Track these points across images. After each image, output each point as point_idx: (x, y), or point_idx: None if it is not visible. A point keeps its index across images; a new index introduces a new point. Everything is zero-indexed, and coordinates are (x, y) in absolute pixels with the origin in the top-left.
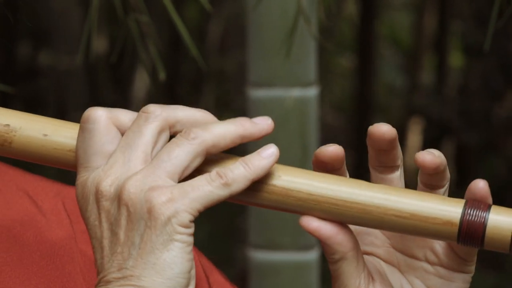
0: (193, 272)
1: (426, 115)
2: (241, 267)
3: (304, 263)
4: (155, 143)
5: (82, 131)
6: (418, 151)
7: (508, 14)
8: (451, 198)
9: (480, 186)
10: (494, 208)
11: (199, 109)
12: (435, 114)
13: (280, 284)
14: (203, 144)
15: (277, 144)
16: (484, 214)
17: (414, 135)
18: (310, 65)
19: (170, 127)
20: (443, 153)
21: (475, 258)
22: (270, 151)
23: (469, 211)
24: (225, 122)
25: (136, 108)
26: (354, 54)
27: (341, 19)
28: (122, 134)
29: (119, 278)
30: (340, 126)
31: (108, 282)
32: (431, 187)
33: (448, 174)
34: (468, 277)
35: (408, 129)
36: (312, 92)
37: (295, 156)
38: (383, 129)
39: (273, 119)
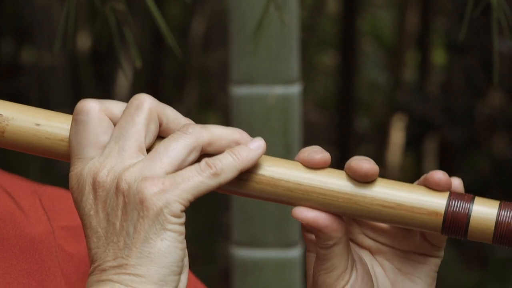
0: (186, 260)
1: (409, 112)
2: (224, 264)
3: (287, 260)
4: (147, 130)
5: (75, 123)
6: (401, 147)
7: (481, 8)
8: (436, 191)
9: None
10: (478, 200)
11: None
12: (418, 111)
13: (263, 282)
14: (199, 140)
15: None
16: (468, 205)
17: (397, 132)
18: (293, 62)
19: (160, 117)
20: (426, 149)
21: (445, 243)
22: (258, 144)
23: (453, 202)
24: (225, 127)
25: None
26: (337, 52)
27: (323, 16)
28: (115, 124)
29: (115, 267)
30: (323, 124)
31: (104, 270)
32: None
33: None
34: (438, 261)
35: (391, 126)
36: (294, 89)
37: (278, 153)
38: (365, 167)
39: (255, 116)
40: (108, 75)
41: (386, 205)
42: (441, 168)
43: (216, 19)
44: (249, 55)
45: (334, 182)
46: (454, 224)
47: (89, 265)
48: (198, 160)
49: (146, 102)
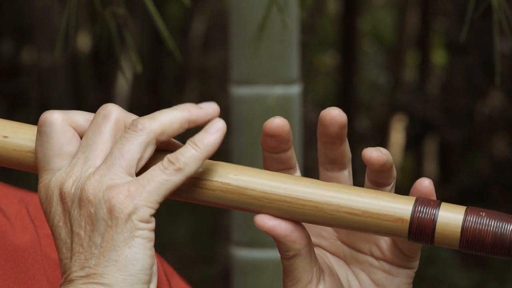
0: (155, 268)
1: (409, 112)
2: (224, 264)
3: None
4: (114, 141)
5: (39, 134)
6: (401, 148)
7: (482, 9)
8: (402, 196)
9: (425, 184)
10: (444, 205)
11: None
12: (418, 111)
13: (263, 282)
14: (151, 134)
15: (259, 142)
16: (434, 211)
17: (397, 132)
18: (293, 62)
19: (126, 124)
20: (426, 150)
21: (419, 254)
22: (217, 126)
23: (419, 208)
24: (171, 109)
25: (119, 105)
26: (337, 52)
27: (323, 16)
28: (80, 135)
29: (82, 277)
30: None
31: (72, 280)
32: (378, 184)
33: (394, 173)
34: (411, 273)
35: (391, 126)
36: (295, 89)
37: None
38: (333, 113)
39: (255, 116)
40: (108, 76)
41: (352, 212)
42: (441, 168)
43: (216, 19)
44: (249, 56)
45: (300, 189)
46: (420, 230)
47: None
48: (156, 152)
49: (113, 112)
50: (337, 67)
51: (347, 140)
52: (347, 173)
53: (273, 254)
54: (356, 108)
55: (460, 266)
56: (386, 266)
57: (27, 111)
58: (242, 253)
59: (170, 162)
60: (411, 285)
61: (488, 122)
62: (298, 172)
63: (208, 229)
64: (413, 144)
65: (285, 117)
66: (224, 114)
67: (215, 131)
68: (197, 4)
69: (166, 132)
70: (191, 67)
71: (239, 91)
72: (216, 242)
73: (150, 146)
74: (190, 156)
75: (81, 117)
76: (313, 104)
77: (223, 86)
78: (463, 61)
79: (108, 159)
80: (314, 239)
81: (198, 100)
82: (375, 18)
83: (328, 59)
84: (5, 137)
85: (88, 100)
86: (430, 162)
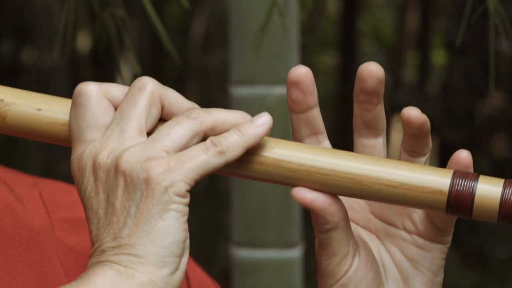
0: (187, 242)
1: None
2: (224, 264)
3: (287, 261)
4: (149, 113)
5: (74, 106)
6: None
7: (479, 12)
8: (440, 168)
9: (463, 156)
10: (482, 178)
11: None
12: None
13: (263, 282)
14: (203, 125)
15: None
16: (473, 184)
17: (397, 133)
18: (293, 63)
19: (162, 100)
20: None
21: (452, 229)
22: (263, 119)
23: (457, 181)
24: (228, 110)
25: None
26: (337, 52)
27: (323, 16)
28: (115, 107)
29: (114, 247)
30: None
31: (103, 251)
32: (414, 154)
33: (430, 142)
34: (444, 248)
35: (391, 126)
36: None
37: None
38: (371, 67)
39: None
40: (108, 76)
41: (390, 184)
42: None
43: (216, 19)
44: (249, 56)
45: (337, 162)
46: (459, 203)
47: (89, 257)
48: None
49: (148, 85)
50: (337, 67)
51: (383, 102)
52: (381, 141)
53: (273, 254)
54: None
55: (460, 266)
56: (419, 240)
57: None
58: (242, 253)
59: (213, 143)
60: (444, 261)
61: (488, 122)
62: (327, 140)
63: (208, 229)
64: None
65: (285, 117)
66: None
67: (262, 124)
68: (197, 4)
69: (217, 129)
70: (191, 67)
71: (239, 91)
72: (216, 242)
73: (197, 137)
74: (233, 142)
75: (116, 90)
76: None
77: (223, 86)
78: (463, 61)
79: (154, 135)
80: None
81: (198, 100)
82: (375, 18)
83: (328, 59)
84: (39, 109)
85: None
86: (430, 162)
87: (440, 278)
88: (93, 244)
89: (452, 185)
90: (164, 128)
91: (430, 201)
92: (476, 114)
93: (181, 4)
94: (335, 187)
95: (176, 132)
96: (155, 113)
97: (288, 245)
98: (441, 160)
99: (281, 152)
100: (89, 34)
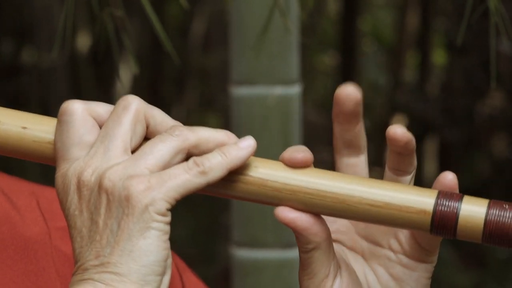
0: (169, 261)
1: (409, 112)
2: (224, 264)
3: (287, 261)
4: (134, 132)
5: (59, 124)
6: None
7: (480, 11)
8: (425, 188)
9: (448, 178)
10: (467, 199)
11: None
12: (418, 112)
13: (263, 282)
14: (186, 142)
15: (259, 142)
16: (457, 204)
17: None
18: (293, 63)
19: (147, 119)
20: (426, 150)
21: (438, 249)
22: (247, 142)
23: (442, 201)
24: (212, 129)
25: None
26: (337, 52)
27: (323, 16)
28: (100, 125)
29: (96, 266)
30: (322, 124)
31: (86, 269)
32: (399, 173)
33: (415, 161)
34: (430, 267)
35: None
36: (294, 90)
37: (277, 154)
38: (348, 90)
39: (255, 117)
40: (108, 76)
41: (374, 204)
42: (441, 168)
43: (216, 19)
44: (249, 56)
45: (322, 182)
46: (443, 223)
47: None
48: (185, 160)
49: (133, 103)
50: (337, 67)
51: (362, 122)
52: (364, 159)
53: (273, 254)
54: None
55: (460, 266)
56: (405, 260)
57: (27, 111)
58: (242, 253)
59: (196, 163)
60: (430, 280)
61: (488, 122)
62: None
63: (208, 229)
64: None
65: (285, 118)
66: (224, 114)
67: (246, 147)
68: (197, 4)
69: (200, 147)
70: (191, 67)
71: (239, 91)
72: (216, 242)
73: (180, 155)
74: (216, 163)
75: (101, 108)
76: (313, 104)
77: (223, 86)
78: (463, 61)
79: (137, 154)
80: (332, 234)
81: (198, 100)
82: (375, 18)
83: (328, 59)
84: (24, 128)
85: (88, 100)
86: (430, 162)
87: None
88: (76, 262)
89: (436, 205)
90: (147, 146)
91: (414, 221)
92: (476, 114)
93: (180, 4)
94: (320, 207)
95: (159, 149)
96: (140, 132)
97: (288, 245)
98: (441, 160)
99: (266, 172)
100: (89, 34)
